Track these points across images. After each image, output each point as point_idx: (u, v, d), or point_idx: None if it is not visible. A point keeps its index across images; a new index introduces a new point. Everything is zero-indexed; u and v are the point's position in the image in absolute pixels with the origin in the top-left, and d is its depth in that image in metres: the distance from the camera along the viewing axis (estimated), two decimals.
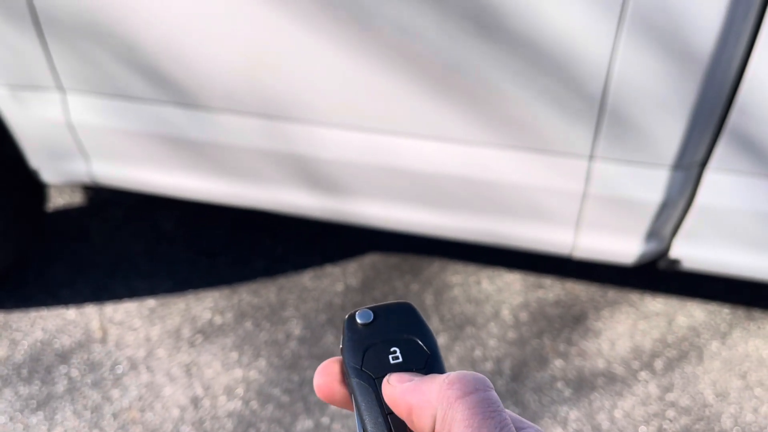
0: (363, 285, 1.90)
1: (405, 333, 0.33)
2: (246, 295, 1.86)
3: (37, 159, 1.54)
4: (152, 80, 1.36)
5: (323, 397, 0.34)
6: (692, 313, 1.85)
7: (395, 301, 0.33)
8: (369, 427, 0.30)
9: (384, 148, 1.36)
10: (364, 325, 0.33)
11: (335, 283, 1.91)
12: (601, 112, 1.21)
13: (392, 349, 0.32)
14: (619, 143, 1.25)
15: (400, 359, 0.32)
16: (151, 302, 1.83)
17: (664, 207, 1.30)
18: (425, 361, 0.32)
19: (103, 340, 1.72)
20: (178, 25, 1.26)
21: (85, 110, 1.44)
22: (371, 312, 0.34)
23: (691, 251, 1.38)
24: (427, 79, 1.24)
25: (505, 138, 1.29)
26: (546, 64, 1.18)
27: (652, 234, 1.36)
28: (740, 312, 1.85)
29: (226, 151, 1.44)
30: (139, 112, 1.42)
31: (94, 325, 1.76)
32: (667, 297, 1.89)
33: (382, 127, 1.33)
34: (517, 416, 0.30)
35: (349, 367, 0.32)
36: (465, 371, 0.29)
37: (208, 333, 1.74)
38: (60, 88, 1.41)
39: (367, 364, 0.32)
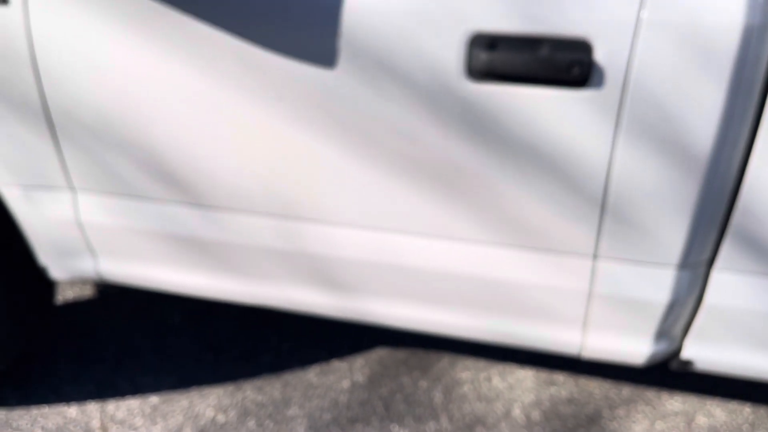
0: (370, 381, 1.86)
1: None
2: (250, 392, 1.83)
3: (46, 257, 1.56)
4: (161, 180, 1.39)
5: None
6: (712, 412, 1.77)
7: None
8: None
9: (391, 246, 1.36)
10: None
11: (342, 379, 1.87)
12: (603, 212, 1.21)
13: None
14: (622, 242, 1.24)
15: None
16: (154, 399, 1.80)
17: (672, 307, 1.28)
18: None
19: None
20: (188, 127, 1.30)
21: (94, 209, 1.47)
22: None
23: (704, 352, 1.34)
24: (431, 180, 1.26)
25: (509, 237, 1.29)
26: (545, 166, 1.19)
27: (661, 334, 1.33)
28: (762, 411, 1.77)
29: (233, 250, 1.45)
30: (148, 211, 1.44)
31: (95, 424, 1.72)
32: (686, 395, 1.82)
33: (389, 226, 1.34)
34: None
35: None
36: None
37: None
38: (71, 187, 1.45)
39: None
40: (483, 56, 1.12)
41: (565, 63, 1.10)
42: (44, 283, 1.68)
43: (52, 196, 1.47)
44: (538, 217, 1.25)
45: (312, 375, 1.88)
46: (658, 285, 1.26)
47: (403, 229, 1.34)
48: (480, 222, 1.29)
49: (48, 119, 1.35)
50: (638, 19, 1.07)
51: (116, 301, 2.18)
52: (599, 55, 1.09)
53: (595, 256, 1.27)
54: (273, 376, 1.88)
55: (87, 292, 2.22)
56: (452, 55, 1.14)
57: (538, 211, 1.24)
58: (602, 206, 1.21)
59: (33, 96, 1.33)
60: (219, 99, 1.26)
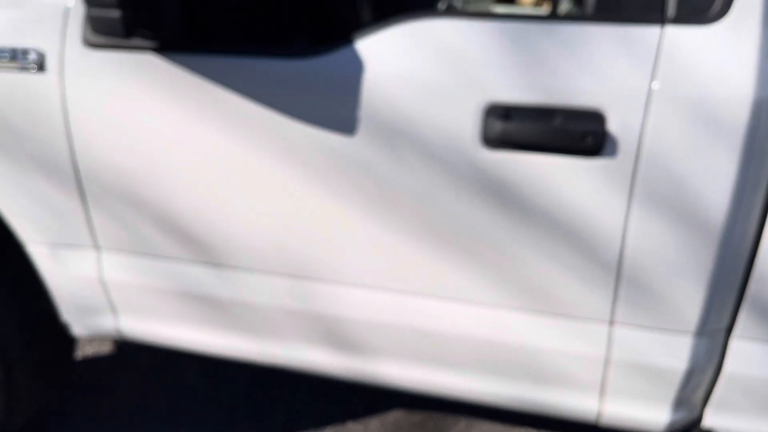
0: None
1: None
2: None
3: (68, 313, 1.59)
4: (181, 240, 1.43)
5: None
6: None
7: None
8: None
9: (407, 308, 1.37)
10: None
11: None
12: (619, 279, 1.22)
13: None
14: (639, 309, 1.24)
15: None
16: None
17: (691, 374, 1.26)
18: None
19: None
20: (208, 190, 1.34)
21: (116, 267, 1.50)
22: None
23: (725, 421, 1.31)
24: (447, 243, 1.27)
25: (524, 301, 1.30)
26: (560, 233, 1.21)
27: (680, 402, 1.31)
28: None
29: (250, 309, 1.47)
30: (168, 270, 1.47)
31: None
32: None
33: (405, 287, 1.36)
34: None
35: None
36: None
37: None
38: (95, 246, 1.49)
39: None
40: (498, 125, 1.15)
41: (578, 133, 1.13)
42: (66, 339, 1.70)
43: (77, 255, 1.51)
44: (554, 282, 1.26)
45: None
46: (676, 352, 1.25)
47: (418, 291, 1.35)
48: (495, 286, 1.30)
49: (77, 181, 1.41)
50: (650, 91, 1.10)
51: (133, 358, 2.19)
52: (612, 126, 1.12)
53: (611, 323, 1.27)
54: None
55: (105, 348, 2.24)
56: (468, 124, 1.18)
57: (553, 276, 1.25)
58: (618, 273, 1.21)
59: (65, 158, 1.38)
60: (239, 163, 1.30)
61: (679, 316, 1.23)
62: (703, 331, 1.23)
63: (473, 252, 1.27)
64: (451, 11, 1.24)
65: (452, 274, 1.31)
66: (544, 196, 1.18)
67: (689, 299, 1.20)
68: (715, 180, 1.10)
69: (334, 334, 1.45)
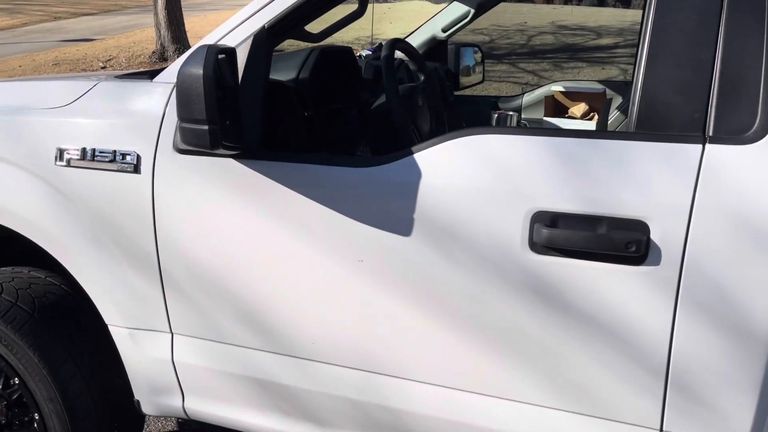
0: None
1: None
2: None
3: (140, 392, 1.70)
4: (250, 330, 1.53)
5: None
6: None
7: None
8: None
9: (459, 405, 1.41)
10: None
11: None
12: (667, 385, 1.24)
13: None
14: (688, 416, 1.24)
15: None
16: None
17: None
18: None
19: None
20: (279, 285, 1.46)
21: (187, 352, 1.61)
22: None
23: None
24: (498, 343, 1.33)
25: (570, 404, 1.32)
26: (606, 337, 1.24)
27: None
28: None
29: (316, 398, 1.54)
30: (237, 356, 1.57)
31: None
32: None
33: (456, 384, 1.40)
34: None
35: None
36: None
37: None
38: (170, 331, 1.62)
39: None
40: (544, 232, 1.23)
41: (622, 242, 1.19)
42: (136, 417, 1.81)
43: (152, 338, 1.63)
44: (602, 386, 1.28)
45: None
46: None
47: (471, 388, 1.39)
48: (542, 386, 1.33)
49: (159, 271, 1.55)
50: (693, 203, 1.16)
51: None
52: (656, 235, 1.18)
53: (661, 430, 1.27)
54: None
55: (169, 426, 2.33)
56: (517, 230, 1.26)
57: (601, 380, 1.28)
58: (666, 379, 1.23)
59: (151, 251, 1.54)
60: (306, 261, 1.42)
61: (730, 426, 1.22)
62: None
63: (520, 351, 1.32)
64: (501, 127, 1.35)
65: (502, 372, 1.35)
66: (589, 300, 1.23)
67: (741, 409, 1.20)
68: (759, 289, 1.13)
69: (400, 428, 1.49)
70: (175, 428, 2.32)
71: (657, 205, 1.18)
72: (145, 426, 2.31)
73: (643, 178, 1.19)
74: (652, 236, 1.18)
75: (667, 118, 1.22)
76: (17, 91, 1.79)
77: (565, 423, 1.34)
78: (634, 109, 1.25)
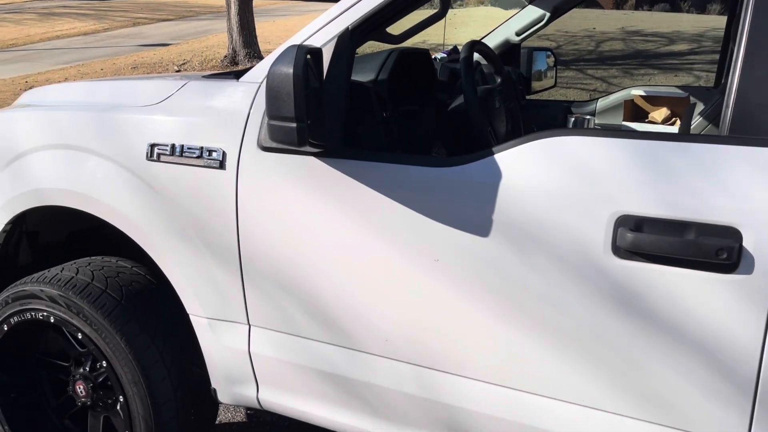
0: None
1: None
2: None
3: (217, 381, 1.76)
4: (324, 324, 1.57)
5: None
6: None
7: None
8: None
9: (526, 407, 1.40)
10: None
11: None
12: (756, 400, 1.19)
13: None
14: None
15: None
16: None
17: None
18: None
19: None
20: (355, 282, 1.49)
21: (262, 343, 1.66)
22: None
23: None
24: (574, 347, 1.31)
25: (649, 414, 1.29)
26: (692, 346, 1.21)
27: None
28: None
29: (378, 392, 1.56)
30: (311, 350, 1.61)
31: None
32: None
33: (525, 386, 1.39)
34: None
35: None
36: None
37: None
38: (247, 323, 1.67)
39: None
40: (629, 236, 1.20)
41: (712, 248, 1.15)
42: (212, 405, 1.87)
43: (231, 329, 1.69)
44: (684, 397, 1.24)
45: None
46: None
47: (542, 392, 1.38)
48: (622, 395, 1.30)
49: (239, 265, 1.60)
50: None
51: (262, 429, 2.32)
52: (749, 243, 1.14)
53: None
54: None
55: (239, 416, 2.39)
56: (600, 233, 1.24)
57: (684, 391, 1.24)
58: (755, 393, 1.19)
59: (232, 245, 1.59)
60: (383, 259, 1.44)
61: None
62: None
63: (600, 358, 1.29)
64: (584, 129, 1.33)
65: (576, 377, 1.33)
66: (675, 307, 1.20)
67: None
68: None
69: (454, 425, 1.49)
70: (244, 419, 2.38)
71: (751, 212, 1.14)
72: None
73: (736, 183, 1.15)
74: (744, 243, 1.14)
75: (764, 122, 1.17)
76: (111, 89, 1.89)
77: (637, 431, 1.30)
78: (728, 112, 1.21)
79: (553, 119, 2.74)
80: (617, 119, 2.59)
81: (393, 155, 1.45)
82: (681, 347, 1.22)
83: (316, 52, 1.37)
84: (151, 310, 1.76)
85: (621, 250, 1.22)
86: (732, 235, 1.14)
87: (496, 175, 1.33)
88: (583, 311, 1.28)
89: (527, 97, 2.87)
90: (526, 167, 1.31)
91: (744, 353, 1.18)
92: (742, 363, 1.18)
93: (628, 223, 1.21)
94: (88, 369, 1.81)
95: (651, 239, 1.20)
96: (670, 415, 1.27)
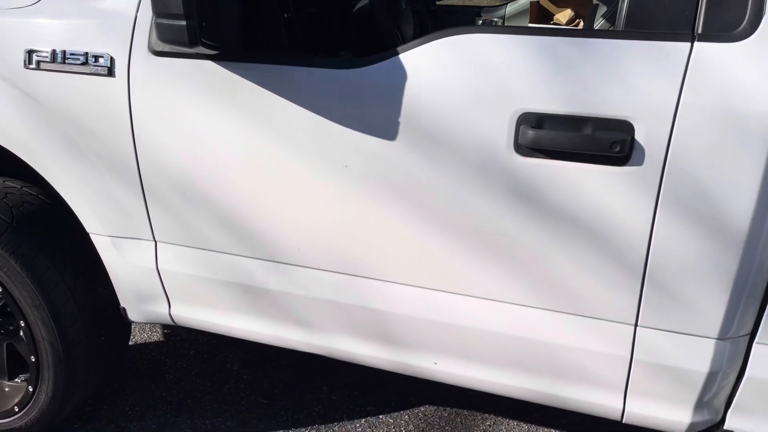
0: None
1: None
2: None
3: (126, 299, 1.71)
4: (232, 236, 1.54)
5: None
6: None
7: None
8: None
9: (438, 305, 1.45)
10: None
11: None
12: (644, 282, 1.28)
13: None
14: (663, 313, 1.29)
15: None
16: None
17: (713, 378, 1.31)
18: None
19: None
20: (261, 190, 1.45)
21: (170, 259, 1.62)
22: None
23: (747, 424, 1.35)
24: (480, 245, 1.35)
25: (551, 302, 1.36)
26: (588, 237, 1.27)
27: (702, 404, 1.35)
28: None
29: (291, 300, 1.57)
30: (219, 263, 1.58)
31: None
32: None
33: (438, 285, 1.43)
34: None
35: None
36: None
37: None
38: (153, 239, 1.61)
39: None
40: (530, 133, 1.22)
41: (607, 142, 1.19)
42: (122, 325, 1.83)
43: (136, 246, 1.63)
44: (581, 284, 1.32)
45: (359, 427, 1.95)
46: (699, 356, 1.30)
47: (452, 289, 1.43)
48: (526, 286, 1.36)
49: (139, 179, 1.53)
50: (678, 102, 1.16)
51: (180, 346, 2.31)
52: (640, 135, 1.18)
53: (636, 325, 1.32)
54: (322, 426, 1.95)
55: (154, 337, 2.37)
56: (502, 131, 1.25)
57: (581, 278, 1.31)
58: (643, 277, 1.27)
59: (130, 158, 1.50)
60: (288, 166, 1.40)
61: (702, 321, 1.27)
62: (725, 336, 1.28)
63: (505, 253, 1.34)
64: (487, 26, 1.31)
65: (484, 273, 1.38)
66: (573, 200, 1.25)
67: (713, 304, 1.25)
68: (739, 188, 1.15)
69: (374, 327, 1.53)
70: (161, 339, 2.36)
71: (642, 105, 1.17)
72: (131, 337, 2.34)
73: (630, 78, 1.18)
74: (636, 136, 1.18)
75: (657, 16, 1.19)
76: None
77: (543, 321, 1.38)
78: (623, 7, 1.22)
79: (465, 24, 2.70)
80: (525, 23, 2.60)
81: (294, 57, 1.39)
82: (578, 239, 1.28)
83: None
84: (47, 231, 1.66)
85: (523, 148, 1.24)
86: (625, 128, 1.18)
87: (400, 75, 1.30)
88: (487, 209, 1.31)
89: (437, 3, 2.81)
90: (429, 67, 1.29)
91: (634, 240, 1.25)
92: (633, 249, 1.26)
93: (529, 121, 1.23)
94: None
95: (551, 135, 1.22)
96: (570, 302, 1.35)
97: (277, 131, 1.39)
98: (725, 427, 1.38)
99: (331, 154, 1.37)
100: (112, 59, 1.45)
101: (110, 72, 1.46)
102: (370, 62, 1.33)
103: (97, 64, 1.46)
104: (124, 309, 1.73)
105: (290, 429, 1.94)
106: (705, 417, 1.37)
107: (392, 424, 1.96)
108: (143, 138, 1.48)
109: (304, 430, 1.93)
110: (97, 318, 1.73)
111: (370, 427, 1.95)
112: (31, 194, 1.71)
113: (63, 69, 1.48)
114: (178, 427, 1.95)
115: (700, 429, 1.39)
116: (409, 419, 1.98)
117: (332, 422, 1.97)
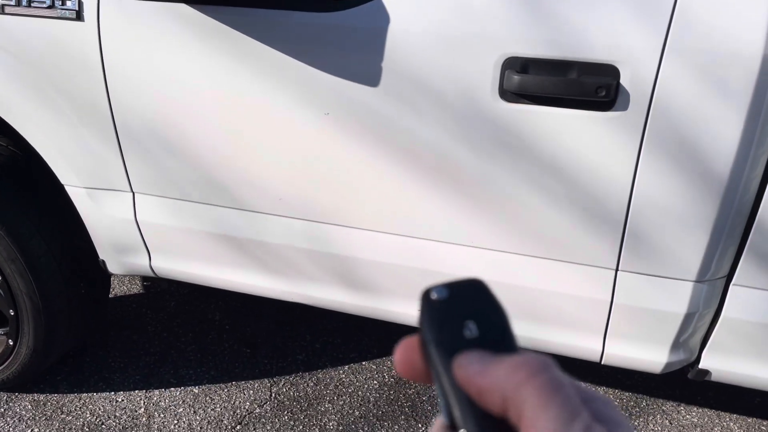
0: (397, 382, 1.95)
1: (479, 308, 0.33)
2: (285, 387, 1.93)
3: (104, 252, 1.69)
4: (210, 186, 1.51)
5: (403, 373, 0.34)
6: (729, 427, 1.81)
7: (467, 278, 0.34)
8: (450, 399, 0.31)
9: (416, 251, 1.45)
10: (439, 300, 0.34)
11: (371, 379, 1.96)
12: (626, 228, 1.29)
13: (468, 324, 0.32)
14: (643, 257, 1.31)
15: (476, 334, 0.32)
16: (195, 390, 1.91)
17: (689, 319, 1.34)
18: (498, 336, 0.32)
19: (148, 426, 1.79)
20: (237, 139, 1.42)
21: (149, 210, 1.59)
22: (446, 288, 0.35)
23: (720, 363, 1.40)
24: (464, 192, 1.34)
25: (535, 248, 1.37)
26: (571, 183, 1.27)
27: (679, 345, 1.39)
28: None
29: (272, 250, 1.56)
30: (197, 213, 1.56)
31: (141, 411, 1.84)
32: (703, 409, 1.87)
33: (415, 232, 1.43)
34: (583, 387, 0.30)
35: (427, 341, 0.32)
36: (529, 354, 0.30)
37: (246, 423, 1.80)
38: (130, 190, 1.58)
39: (444, 338, 0.32)
40: (515, 78, 1.21)
41: (593, 86, 1.18)
42: (102, 277, 1.81)
43: (113, 197, 1.59)
44: (564, 230, 1.33)
45: (342, 373, 1.98)
46: (677, 298, 1.33)
47: (434, 237, 1.43)
48: (509, 233, 1.37)
49: (113, 127, 1.48)
50: (664, 46, 1.15)
51: (162, 298, 2.30)
52: (625, 79, 1.17)
53: (617, 270, 1.34)
54: (306, 373, 1.98)
55: (134, 289, 2.35)
56: (487, 77, 1.23)
57: (564, 224, 1.32)
58: (625, 222, 1.28)
59: (103, 106, 1.46)
60: (264, 112, 1.37)
61: (681, 265, 1.30)
62: (703, 278, 1.31)
63: (482, 199, 1.34)
64: None
65: (462, 219, 1.38)
66: (557, 146, 1.25)
67: (692, 248, 1.27)
68: (722, 132, 1.16)
69: (349, 274, 1.53)
70: (141, 291, 2.34)
71: (627, 48, 1.16)
72: (111, 290, 2.33)
73: (615, 21, 1.17)
74: (621, 81, 1.17)
75: None
76: None
77: (526, 267, 1.39)
78: None
79: None
80: None
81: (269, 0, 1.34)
82: (562, 185, 1.28)
83: None
84: (20, 183, 1.62)
85: (508, 94, 1.23)
86: (611, 72, 1.17)
87: (380, 19, 1.26)
88: (471, 156, 1.30)
89: None
90: (412, 10, 1.25)
91: (617, 187, 1.25)
92: (616, 195, 1.26)
93: (514, 66, 1.21)
94: None
95: (536, 80, 1.21)
96: (552, 248, 1.36)
97: (256, 78, 1.35)
98: (700, 366, 1.42)
99: (308, 99, 1.34)
100: (80, 2, 1.39)
101: (79, 16, 1.39)
102: (351, 4, 1.28)
103: (64, 7, 1.40)
104: (103, 261, 1.71)
105: (274, 377, 1.96)
106: (681, 357, 1.42)
107: (375, 370, 2.00)
108: (116, 84, 1.43)
109: (287, 377, 1.96)
110: (76, 271, 1.71)
111: (353, 374, 1.98)
112: (2, 145, 1.65)
113: (28, 13, 1.41)
114: (162, 377, 1.96)
115: (676, 368, 1.44)
116: (392, 365, 2.01)
117: (316, 369, 1.99)
